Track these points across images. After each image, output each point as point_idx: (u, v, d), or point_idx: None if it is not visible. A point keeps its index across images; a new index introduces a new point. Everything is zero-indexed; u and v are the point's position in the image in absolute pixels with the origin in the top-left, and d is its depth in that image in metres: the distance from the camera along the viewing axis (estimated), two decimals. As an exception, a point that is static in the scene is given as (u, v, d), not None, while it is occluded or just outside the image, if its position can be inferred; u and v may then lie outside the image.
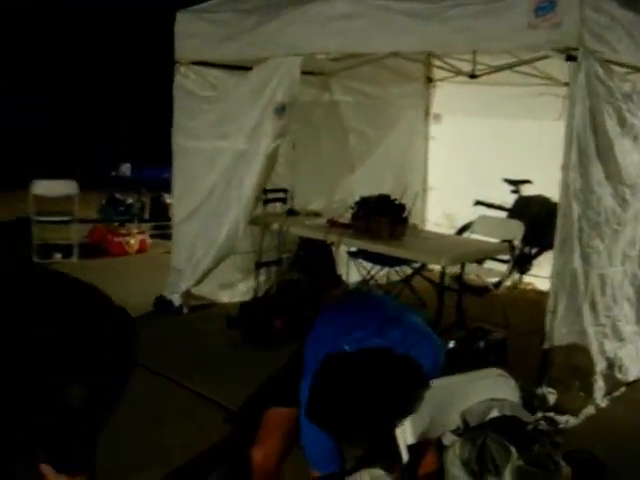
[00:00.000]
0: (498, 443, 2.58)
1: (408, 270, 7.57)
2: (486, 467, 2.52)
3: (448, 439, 2.69)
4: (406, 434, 2.61)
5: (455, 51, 6.89)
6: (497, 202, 8.58)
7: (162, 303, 7.34)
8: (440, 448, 2.72)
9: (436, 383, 2.79)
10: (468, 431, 2.70)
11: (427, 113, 9.38)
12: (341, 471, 2.86)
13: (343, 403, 2.46)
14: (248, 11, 6.67)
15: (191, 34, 7.16)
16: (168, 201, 12.95)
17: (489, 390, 2.85)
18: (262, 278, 7.78)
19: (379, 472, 2.08)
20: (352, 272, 7.99)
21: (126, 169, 11.96)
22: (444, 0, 5.27)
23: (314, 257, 7.90)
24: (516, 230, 7.40)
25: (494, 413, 2.74)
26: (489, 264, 7.89)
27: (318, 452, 2.90)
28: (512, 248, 7.35)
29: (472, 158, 8.80)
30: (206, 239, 7.11)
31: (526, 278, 8.85)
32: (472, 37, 5.20)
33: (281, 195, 7.59)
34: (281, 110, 6.45)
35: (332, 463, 2.87)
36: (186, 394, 5.51)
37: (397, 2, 5.45)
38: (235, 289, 7.86)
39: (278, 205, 7.64)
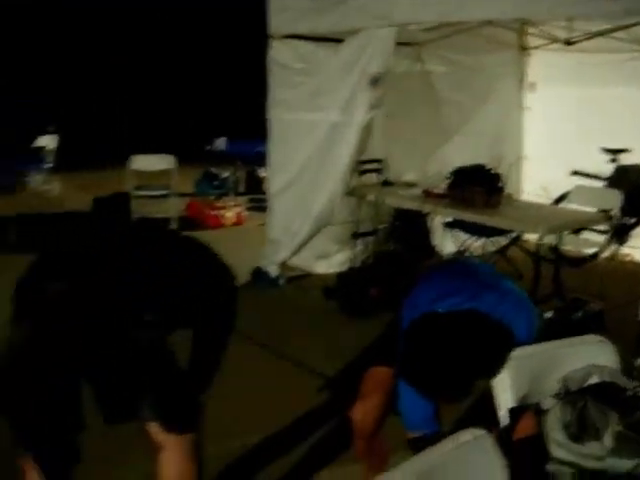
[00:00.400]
0: (598, 407, 2.58)
1: (503, 241, 7.53)
2: (586, 430, 2.53)
3: (548, 403, 2.70)
4: (506, 398, 2.64)
5: (551, 18, 6.77)
6: (594, 172, 8.45)
7: (259, 274, 7.44)
8: (539, 412, 2.73)
9: (536, 348, 2.81)
10: (568, 396, 2.70)
11: (521, 82, 9.27)
12: (438, 432, 2.90)
13: (432, 361, 2.49)
14: (341, -17, 6.65)
15: (284, 8, 7.17)
16: (262, 174, 13.11)
17: (589, 356, 2.85)
18: (358, 249, 7.82)
19: (481, 431, 2.10)
20: (447, 243, 7.99)
21: (221, 143, 12.08)
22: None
23: (409, 228, 7.92)
24: (614, 200, 7.26)
25: (594, 379, 2.74)
26: (586, 235, 7.79)
27: (413, 413, 2.94)
28: (610, 218, 7.25)
29: (568, 127, 8.66)
30: (303, 210, 7.17)
31: (624, 249, 8.71)
32: (569, 3, 5.11)
33: (376, 166, 7.60)
34: (375, 81, 6.44)
35: (428, 424, 2.91)
36: (285, 363, 5.62)
37: (492, -31, 5.40)
38: (331, 260, 7.91)
39: (373, 176, 7.66)
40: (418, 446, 2.96)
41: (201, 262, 2.29)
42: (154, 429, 2.92)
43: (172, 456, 2.99)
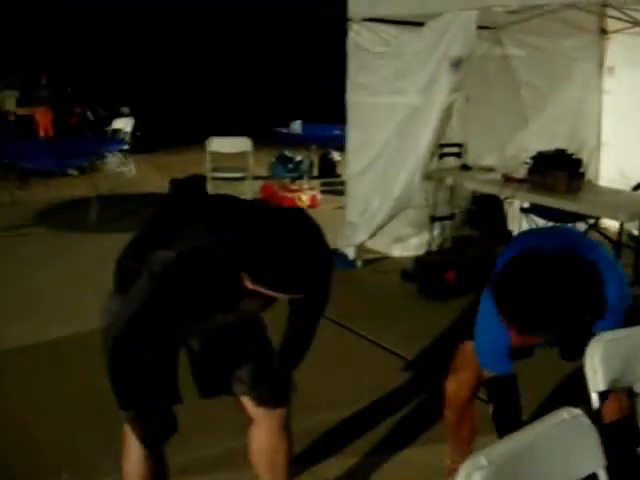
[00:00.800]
0: (695, 389, 2.59)
1: (581, 227, 7.48)
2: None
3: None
4: (597, 381, 2.64)
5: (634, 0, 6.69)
6: (675, 157, 8.34)
7: (337, 256, 7.49)
8: (631, 395, 2.74)
9: (627, 332, 2.81)
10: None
11: (601, 66, 9.15)
12: (511, 374, 2.97)
13: (526, 284, 2.44)
14: (422, -35, 6.65)
15: (364, -9, 7.20)
16: (336, 158, 13.17)
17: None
18: (436, 232, 7.83)
19: (577, 411, 2.13)
20: (523, 228, 7.95)
21: (297, 126, 12.13)
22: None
23: (486, 213, 7.91)
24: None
25: (687, 361, 2.74)
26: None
27: (489, 350, 2.97)
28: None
29: (648, 112, 8.55)
30: (381, 193, 7.17)
31: None
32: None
33: (456, 150, 7.59)
34: (457, 64, 6.42)
35: (501, 363, 2.94)
36: (365, 343, 5.69)
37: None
38: (407, 243, 7.93)
39: (451, 160, 7.65)
40: (492, 388, 2.99)
41: (308, 236, 2.31)
42: (248, 403, 3.00)
43: (265, 430, 3.07)
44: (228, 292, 2.50)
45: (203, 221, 2.52)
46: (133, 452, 2.83)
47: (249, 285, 2.32)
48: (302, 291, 2.34)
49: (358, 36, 7.36)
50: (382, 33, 7.27)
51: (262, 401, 2.98)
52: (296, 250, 2.24)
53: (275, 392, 3.00)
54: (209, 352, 2.94)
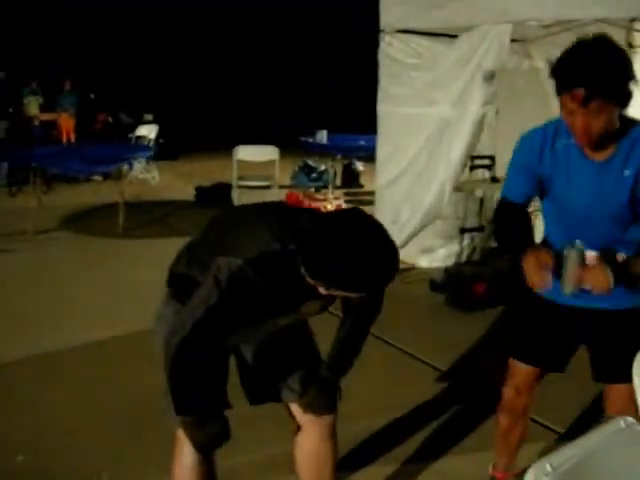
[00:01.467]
0: None
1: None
2: None
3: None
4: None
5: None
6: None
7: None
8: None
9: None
10: None
11: (628, 80, 9.12)
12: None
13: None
14: (457, -21, 6.69)
15: (396, 3, 7.25)
16: (360, 168, 13.20)
17: None
18: (465, 244, 7.85)
19: (632, 420, 2.15)
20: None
21: (322, 136, 12.18)
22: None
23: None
24: None
25: None
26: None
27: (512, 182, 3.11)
28: None
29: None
30: (412, 203, 7.20)
31: None
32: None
33: (486, 162, 7.63)
34: (490, 77, 6.46)
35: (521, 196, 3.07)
36: (397, 353, 5.69)
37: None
38: (435, 254, 7.94)
39: (481, 172, 7.68)
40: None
41: (373, 232, 2.35)
42: (296, 409, 3.03)
43: (313, 436, 3.08)
44: (294, 297, 2.54)
45: (269, 227, 2.54)
46: (186, 457, 2.85)
47: (322, 291, 2.37)
48: (377, 286, 2.38)
49: (390, 47, 7.41)
50: (414, 45, 7.33)
51: (311, 408, 2.99)
52: (366, 246, 2.28)
53: (324, 399, 3.01)
54: (261, 359, 2.97)
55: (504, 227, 3.14)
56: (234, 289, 2.46)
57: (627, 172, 2.76)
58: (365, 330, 3.02)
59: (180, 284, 2.76)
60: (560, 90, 2.66)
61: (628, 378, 3.00)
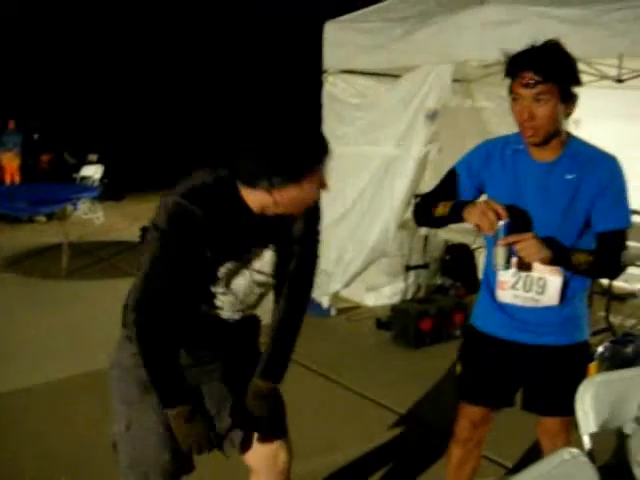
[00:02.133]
0: (681, 432, 2.65)
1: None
2: (672, 455, 2.59)
3: (629, 427, 2.77)
4: (589, 422, 2.70)
5: (611, 55, 6.84)
6: (640, 207, 8.50)
7: (311, 305, 7.50)
8: (621, 436, 2.80)
9: (615, 375, 2.90)
10: (647, 421, 2.77)
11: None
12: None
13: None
14: (398, 19, 6.76)
15: (340, 44, 7.30)
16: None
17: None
18: (410, 281, 7.90)
19: (578, 451, 2.19)
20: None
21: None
22: (600, 5, 5.26)
23: (459, 262, 8.01)
24: (662, 236, 7.32)
25: (671, 404, 2.81)
26: (632, 270, 7.84)
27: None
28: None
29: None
30: (356, 242, 7.23)
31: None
32: (629, 41, 5.19)
33: (430, 200, 7.69)
34: (432, 116, 6.54)
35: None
36: (342, 391, 5.68)
37: (552, 8, 5.46)
38: (381, 292, 7.96)
39: (425, 209, 7.75)
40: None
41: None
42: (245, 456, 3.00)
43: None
44: (238, 236, 2.53)
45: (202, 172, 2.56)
46: None
47: (266, 206, 2.42)
48: (315, 159, 2.40)
49: (334, 87, 7.47)
50: (358, 85, 7.40)
51: (257, 453, 2.95)
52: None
53: (268, 438, 2.96)
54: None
55: (427, 201, 3.20)
56: (174, 228, 2.40)
57: (569, 176, 2.86)
58: (302, 307, 2.92)
59: None
60: (512, 78, 2.82)
61: (561, 412, 3.07)
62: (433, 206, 3.07)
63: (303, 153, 2.37)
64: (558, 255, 2.76)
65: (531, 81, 2.73)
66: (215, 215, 2.43)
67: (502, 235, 2.75)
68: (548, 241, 2.76)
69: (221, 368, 2.83)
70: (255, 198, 2.45)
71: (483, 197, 3.05)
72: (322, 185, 2.47)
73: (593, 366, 3.08)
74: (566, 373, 3.03)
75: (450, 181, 3.18)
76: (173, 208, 2.39)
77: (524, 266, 2.91)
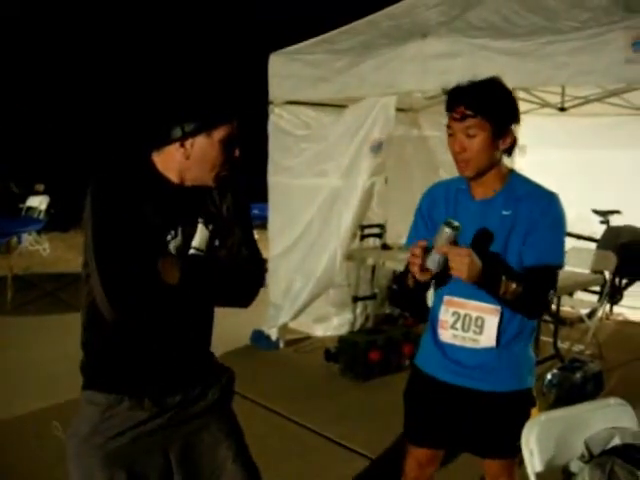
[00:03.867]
0: (626, 469, 2.65)
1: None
2: (617, 493, 2.59)
3: (575, 466, 2.77)
4: (534, 462, 2.70)
5: (551, 85, 6.93)
6: (586, 233, 8.60)
7: (260, 337, 7.48)
8: (567, 475, 2.80)
9: (559, 413, 2.90)
10: (593, 458, 2.77)
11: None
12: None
13: None
14: (342, 51, 6.83)
15: (285, 75, 7.33)
16: (255, 237, 13.18)
17: (610, 418, 2.92)
18: (358, 312, 7.89)
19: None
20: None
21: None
22: (541, 37, 5.33)
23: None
24: (608, 261, 7.41)
25: (616, 441, 2.81)
26: (579, 295, 7.93)
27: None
28: (604, 279, 7.40)
29: (558, 190, 8.74)
30: (304, 273, 7.24)
31: (617, 309, 8.85)
32: (570, 73, 5.24)
33: (376, 231, 7.73)
34: (377, 148, 6.59)
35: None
36: (288, 424, 5.64)
37: (495, 41, 5.54)
38: (329, 323, 7.93)
39: (371, 240, 7.77)
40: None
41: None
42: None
43: None
44: (162, 204, 2.52)
45: None
46: None
47: (179, 151, 2.46)
48: (232, 111, 2.48)
49: (279, 119, 7.49)
50: (303, 116, 7.43)
51: None
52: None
53: None
54: None
55: (400, 280, 3.13)
56: (100, 203, 2.41)
57: (505, 212, 2.88)
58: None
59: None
60: (448, 112, 2.89)
61: (501, 455, 3.08)
62: (405, 280, 3.02)
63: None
64: (487, 277, 2.73)
65: (460, 115, 2.78)
66: (135, 188, 2.46)
67: (436, 240, 2.71)
68: (486, 264, 2.74)
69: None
70: (169, 159, 2.50)
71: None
72: (234, 151, 2.53)
73: (535, 411, 3.06)
74: (504, 418, 3.02)
75: (413, 230, 3.22)
76: (96, 185, 2.43)
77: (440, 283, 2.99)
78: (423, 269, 2.70)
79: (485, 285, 2.78)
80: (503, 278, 2.75)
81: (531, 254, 2.87)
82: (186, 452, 2.71)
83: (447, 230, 2.67)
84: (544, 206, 2.88)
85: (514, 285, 2.76)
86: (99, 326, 2.51)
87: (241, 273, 2.66)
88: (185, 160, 2.47)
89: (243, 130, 2.54)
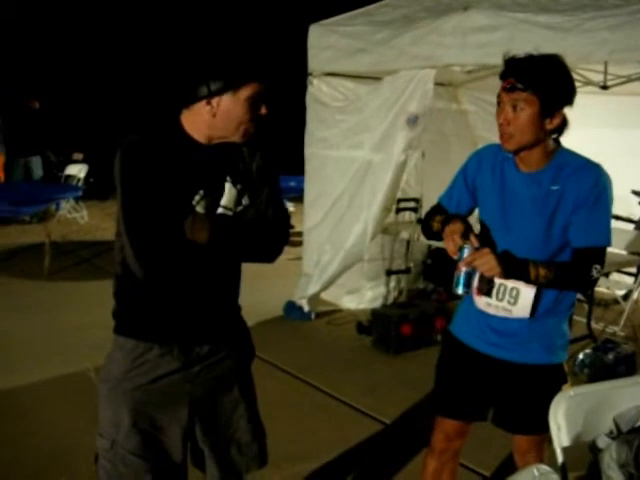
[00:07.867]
0: (654, 447, 2.63)
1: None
2: (643, 470, 2.57)
3: (602, 441, 2.75)
4: (562, 436, 2.69)
5: (592, 62, 6.83)
6: (624, 214, 8.50)
7: (292, 308, 7.50)
8: (594, 450, 2.78)
9: (587, 388, 2.88)
10: (621, 435, 2.75)
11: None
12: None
13: None
14: (382, 23, 6.77)
15: (324, 46, 7.29)
16: (291, 209, 13.17)
17: (639, 396, 2.90)
18: (391, 286, 7.88)
19: (547, 468, 2.16)
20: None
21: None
22: (583, 12, 5.25)
23: (441, 267, 7.99)
24: (646, 242, 7.34)
25: (645, 419, 2.79)
26: (615, 276, 7.86)
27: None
28: (641, 261, 7.34)
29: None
30: (334, 244, 7.24)
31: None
32: (610, 49, 5.17)
33: (412, 205, 7.67)
34: (413, 121, 6.53)
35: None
36: (322, 396, 5.65)
37: (536, 15, 5.46)
38: (362, 296, 7.93)
39: (407, 214, 7.73)
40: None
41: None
42: None
43: None
44: (191, 164, 2.56)
45: None
46: None
47: (206, 109, 2.50)
48: (259, 70, 2.52)
49: (317, 90, 7.45)
50: (341, 88, 7.38)
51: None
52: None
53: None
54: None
55: (430, 216, 3.18)
56: (131, 164, 2.47)
57: (554, 187, 2.84)
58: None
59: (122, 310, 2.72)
60: (501, 80, 2.84)
61: (530, 431, 3.06)
62: (432, 220, 3.10)
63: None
64: (514, 268, 2.77)
65: (510, 85, 2.74)
66: (163, 149, 2.51)
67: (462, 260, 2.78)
68: (506, 255, 2.80)
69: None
70: (197, 118, 2.54)
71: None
72: (261, 109, 2.57)
73: (567, 387, 3.04)
74: (535, 393, 3.01)
75: (452, 187, 3.19)
76: (120, 150, 2.48)
77: (482, 291, 2.96)
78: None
79: (514, 275, 2.81)
80: (530, 265, 2.76)
81: (578, 235, 2.85)
82: (209, 407, 2.77)
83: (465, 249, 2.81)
84: (594, 181, 2.82)
85: (543, 270, 2.76)
86: (130, 278, 2.56)
87: (268, 231, 2.69)
88: (212, 118, 2.51)
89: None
